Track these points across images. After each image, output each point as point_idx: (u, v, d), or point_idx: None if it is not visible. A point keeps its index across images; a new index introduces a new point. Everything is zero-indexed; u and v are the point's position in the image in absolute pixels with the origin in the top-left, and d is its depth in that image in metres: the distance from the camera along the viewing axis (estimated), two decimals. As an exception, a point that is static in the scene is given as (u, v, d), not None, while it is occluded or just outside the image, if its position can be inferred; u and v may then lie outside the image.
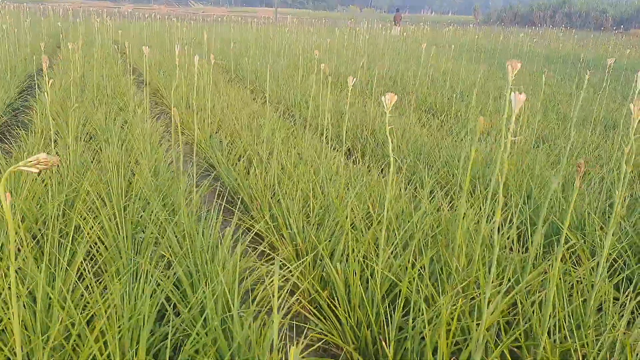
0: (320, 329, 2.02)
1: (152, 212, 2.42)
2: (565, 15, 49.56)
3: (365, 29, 13.67)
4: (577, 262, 2.45)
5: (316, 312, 2.04)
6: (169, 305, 1.76)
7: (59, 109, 5.03)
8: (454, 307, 1.70)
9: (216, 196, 3.30)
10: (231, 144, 4.37)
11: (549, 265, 2.07)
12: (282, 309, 1.88)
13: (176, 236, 2.22)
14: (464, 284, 1.83)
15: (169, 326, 1.57)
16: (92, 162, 3.34)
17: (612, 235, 2.44)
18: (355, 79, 2.56)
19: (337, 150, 4.72)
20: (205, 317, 1.72)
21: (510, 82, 1.68)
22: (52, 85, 6.33)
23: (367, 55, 10.60)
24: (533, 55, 13.23)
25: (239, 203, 3.26)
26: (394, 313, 1.80)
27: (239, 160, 3.92)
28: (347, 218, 2.25)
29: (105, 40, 11.50)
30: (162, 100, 6.87)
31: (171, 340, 1.58)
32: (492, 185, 1.64)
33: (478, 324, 1.77)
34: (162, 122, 5.47)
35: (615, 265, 2.37)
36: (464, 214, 2.29)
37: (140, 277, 1.66)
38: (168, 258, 1.98)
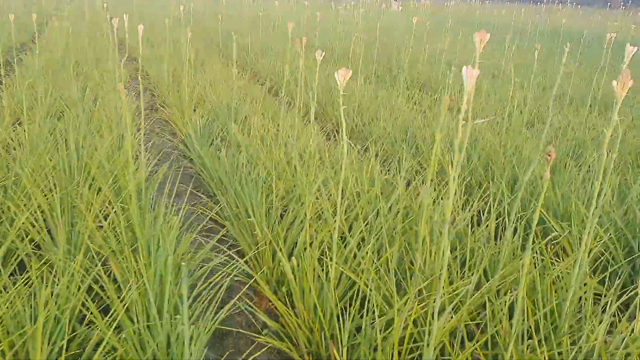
0: (275, 330, 1.85)
1: (101, 199, 2.23)
2: (574, -9, 48.45)
3: (361, 4, 13.30)
4: (559, 254, 2.26)
5: (263, 315, 1.86)
6: (94, 305, 1.58)
7: (36, 84, 4.81)
8: (410, 311, 1.51)
9: (178, 178, 3.12)
10: (210, 124, 4.16)
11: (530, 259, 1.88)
12: (227, 309, 1.70)
13: (126, 224, 2.04)
14: (425, 283, 1.64)
15: (81, 332, 1.39)
16: (54, 142, 3.15)
17: (600, 226, 2.25)
18: (323, 53, 2.34)
19: (322, 129, 4.51)
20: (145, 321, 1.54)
21: (478, 56, 1.46)
22: (31, 61, 6.10)
23: (360, 32, 10.29)
24: (535, 31, 12.86)
25: (207, 186, 3.08)
26: (349, 316, 1.62)
27: (213, 141, 3.72)
28: (309, 207, 2.06)
29: (97, 8, 11.19)
30: (147, 75, 6.63)
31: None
32: (454, 171, 1.44)
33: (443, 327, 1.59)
34: (141, 100, 5.25)
35: (602, 258, 2.18)
36: (433, 202, 2.09)
37: (42, 278, 1.48)
38: (97, 251, 1.79)
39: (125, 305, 1.41)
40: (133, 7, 13.36)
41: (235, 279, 2.06)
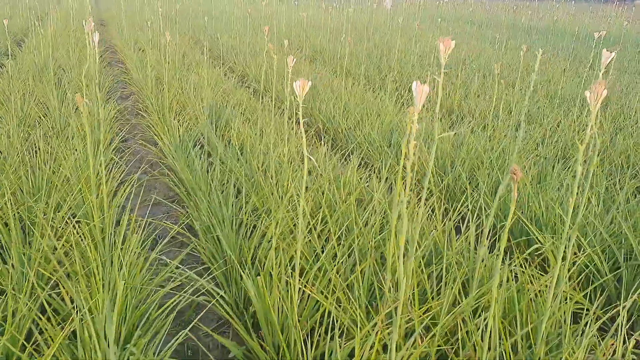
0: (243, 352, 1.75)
1: (61, 215, 2.13)
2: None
3: (352, 2, 13.20)
4: (543, 266, 2.17)
5: (225, 340, 1.77)
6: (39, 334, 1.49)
7: (15, 91, 4.70)
8: (375, 339, 1.42)
9: (143, 189, 3.02)
10: (190, 130, 4.06)
11: (513, 275, 1.78)
12: (183, 336, 1.60)
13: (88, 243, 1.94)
14: (390, 308, 1.55)
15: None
16: (23, 153, 3.05)
17: (584, 236, 2.15)
18: (295, 59, 2.24)
19: (307, 132, 4.41)
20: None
21: (443, 64, 1.37)
22: (13, 66, 5.98)
23: (350, 32, 10.19)
24: (528, 29, 12.78)
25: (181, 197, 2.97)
26: (312, 344, 1.52)
27: (191, 150, 3.62)
28: (277, 224, 1.96)
29: (84, 11, 11.05)
30: (132, 79, 6.52)
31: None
32: (426, 182, 1.34)
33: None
34: (123, 106, 5.15)
35: (587, 270, 2.08)
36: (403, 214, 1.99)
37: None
38: (48, 276, 1.69)
39: (65, 337, 1.31)
40: (123, 10, 13.23)
41: (202, 297, 1.96)
